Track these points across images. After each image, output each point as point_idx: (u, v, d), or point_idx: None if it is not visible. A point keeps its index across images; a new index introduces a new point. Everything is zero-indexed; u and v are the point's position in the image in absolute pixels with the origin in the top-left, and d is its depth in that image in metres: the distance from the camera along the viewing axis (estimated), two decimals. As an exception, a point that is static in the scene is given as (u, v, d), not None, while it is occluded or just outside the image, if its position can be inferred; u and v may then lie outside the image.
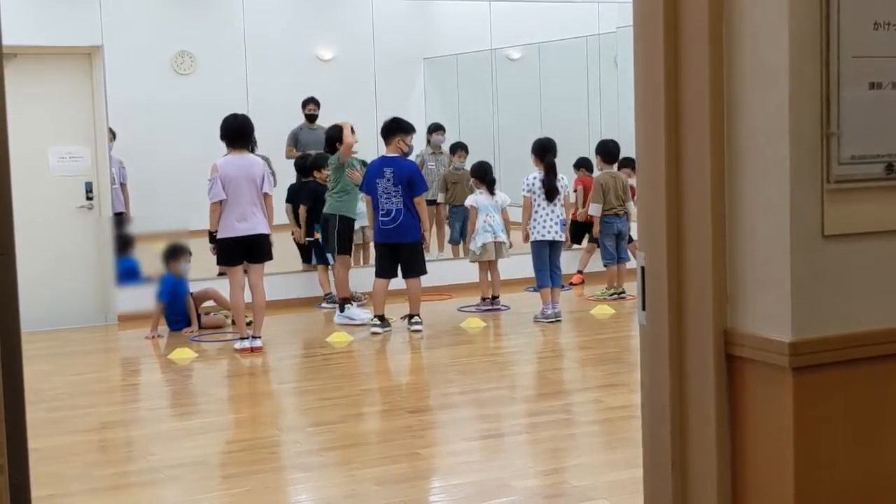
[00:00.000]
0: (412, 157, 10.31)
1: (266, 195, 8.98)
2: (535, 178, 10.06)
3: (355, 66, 13.17)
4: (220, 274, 10.13)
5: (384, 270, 9.67)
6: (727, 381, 2.34)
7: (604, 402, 7.13)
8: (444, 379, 8.27)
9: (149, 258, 10.73)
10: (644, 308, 2.52)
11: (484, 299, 10.74)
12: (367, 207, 9.79)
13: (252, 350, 8.96)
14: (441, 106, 14.66)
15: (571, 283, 11.77)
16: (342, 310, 10.17)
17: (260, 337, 9.06)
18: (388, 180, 9.49)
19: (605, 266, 11.27)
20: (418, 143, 12.12)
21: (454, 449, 6.20)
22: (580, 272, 12.02)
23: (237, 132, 9.05)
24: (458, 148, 12.61)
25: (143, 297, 10.08)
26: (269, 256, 9.27)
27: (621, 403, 6.93)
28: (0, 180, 2.23)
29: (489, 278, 10.70)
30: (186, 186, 11.90)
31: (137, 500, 5.62)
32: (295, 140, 12.05)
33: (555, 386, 7.83)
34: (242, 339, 9.03)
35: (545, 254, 10.09)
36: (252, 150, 9.96)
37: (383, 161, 9.64)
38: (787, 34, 2.15)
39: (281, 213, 10.75)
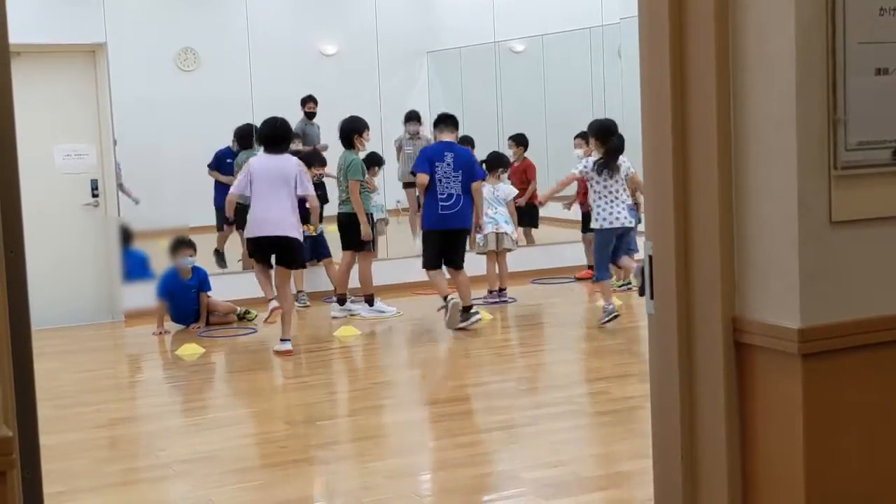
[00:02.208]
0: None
1: (306, 197, 8.75)
2: (587, 161, 9.27)
3: (359, 60, 13.14)
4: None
5: (436, 260, 9.50)
6: (736, 369, 2.34)
7: (612, 393, 7.13)
8: (451, 372, 8.27)
9: (154, 254, 10.76)
10: (652, 297, 2.53)
11: (491, 291, 10.73)
12: (420, 191, 9.56)
13: (273, 312, 8.88)
14: (445, 99, 14.64)
15: (578, 278, 11.68)
16: (371, 304, 10.15)
17: (289, 339, 8.77)
18: (449, 165, 9.35)
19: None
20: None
21: (463, 441, 6.20)
22: (590, 268, 11.77)
23: (275, 137, 8.75)
24: (463, 142, 12.60)
25: (149, 294, 10.09)
26: (298, 263, 9.04)
27: (630, 394, 6.93)
28: (8, 179, 2.24)
29: (496, 270, 10.69)
30: (190, 183, 11.93)
31: (147, 495, 5.63)
32: (302, 135, 12.08)
33: (563, 377, 7.83)
34: (283, 340, 8.75)
35: (610, 244, 9.21)
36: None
37: (443, 146, 9.51)
38: (794, 21, 2.15)
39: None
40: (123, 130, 10.99)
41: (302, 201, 8.85)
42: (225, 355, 9.12)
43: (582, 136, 11.54)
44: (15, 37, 2.52)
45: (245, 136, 11.31)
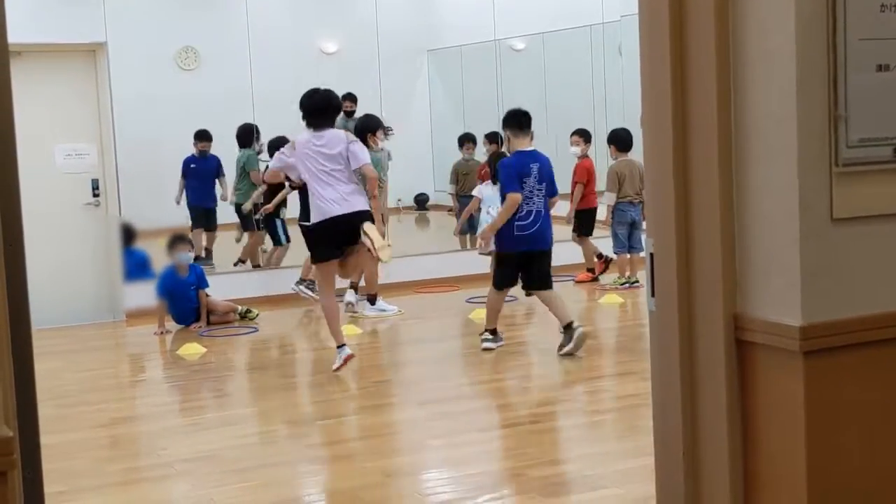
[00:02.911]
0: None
1: (364, 172, 7.84)
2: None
3: (359, 58, 13.15)
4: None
5: (507, 281, 8.38)
6: (737, 366, 2.33)
7: (615, 391, 7.12)
8: (453, 370, 8.27)
9: (154, 253, 10.77)
10: (654, 294, 2.52)
11: None
12: (506, 210, 8.11)
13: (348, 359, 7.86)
14: (445, 97, 14.64)
15: (578, 281, 11.59)
16: (373, 303, 10.13)
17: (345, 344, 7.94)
18: (535, 178, 8.08)
19: (615, 255, 11.21)
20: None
21: (465, 440, 6.20)
22: (590, 270, 11.68)
23: (318, 109, 7.98)
24: (466, 140, 12.61)
25: (150, 294, 10.09)
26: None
27: (632, 392, 6.92)
28: (8, 177, 2.23)
29: None
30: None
31: (149, 495, 5.63)
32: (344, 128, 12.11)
33: (565, 375, 7.82)
34: (340, 346, 7.86)
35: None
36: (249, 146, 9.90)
37: (526, 156, 8.16)
38: (794, 17, 2.14)
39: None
40: (124, 129, 10.99)
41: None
42: (226, 355, 9.12)
43: (578, 133, 11.51)
44: (15, 36, 2.52)
45: (244, 136, 11.32)
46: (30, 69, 10.09)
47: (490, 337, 8.37)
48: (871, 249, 2.24)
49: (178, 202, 11.37)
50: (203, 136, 11.48)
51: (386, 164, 10.56)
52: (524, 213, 8.04)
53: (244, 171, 11.29)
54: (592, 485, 5.35)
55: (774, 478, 2.29)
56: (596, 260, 11.55)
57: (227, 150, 11.51)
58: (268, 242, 11.54)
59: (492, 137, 11.85)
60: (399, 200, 13.45)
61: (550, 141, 13.52)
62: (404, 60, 13.90)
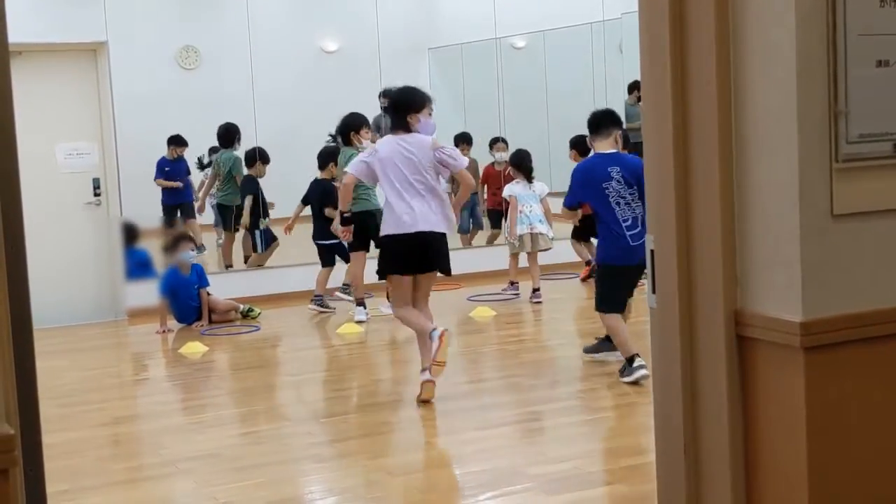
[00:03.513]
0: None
1: (460, 178, 7.12)
2: None
3: (360, 57, 13.14)
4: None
5: (622, 302, 7.41)
6: (738, 362, 2.34)
7: (616, 389, 7.12)
8: (455, 368, 8.25)
9: (156, 252, 10.80)
10: (654, 291, 2.52)
11: (511, 283, 10.69)
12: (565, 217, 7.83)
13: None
14: (446, 95, 14.62)
15: (584, 278, 11.57)
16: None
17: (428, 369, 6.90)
18: (619, 182, 7.15)
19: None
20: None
21: (467, 437, 6.20)
22: (588, 263, 11.65)
23: (397, 110, 7.08)
24: (462, 140, 12.64)
25: (152, 293, 10.10)
26: (443, 265, 7.02)
27: (634, 389, 6.93)
28: (9, 176, 2.24)
29: (517, 265, 10.63)
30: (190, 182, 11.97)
31: (151, 493, 5.63)
32: (377, 126, 12.18)
33: (567, 373, 7.82)
34: (424, 369, 6.91)
35: None
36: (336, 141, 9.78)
37: (603, 159, 7.30)
38: (794, 13, 2.15)
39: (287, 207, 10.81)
40: (125, 128, 10.99)
41: None
42: (228, 353, 9.12)
43: (575, 147, 11.43)
44: (16, 36, 2.52)
45: (225, 136, 11.34)
46: (31, 69, 10.09)
47: (629, 367, 7.13)
48: (872, 245, 2.25)
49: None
50: (179, 142, 11.61)
51: None
52: (625, 220, 7.13)
53: (230, 174, 11.29)
54: (595, 482, 5.35)
55: (776, 473, 2.29)
56: (585, 266, 11.55)
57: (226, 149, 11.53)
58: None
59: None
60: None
61: (551, 139, 13.55)
62: (405, 58, 13.88)
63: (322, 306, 10.25)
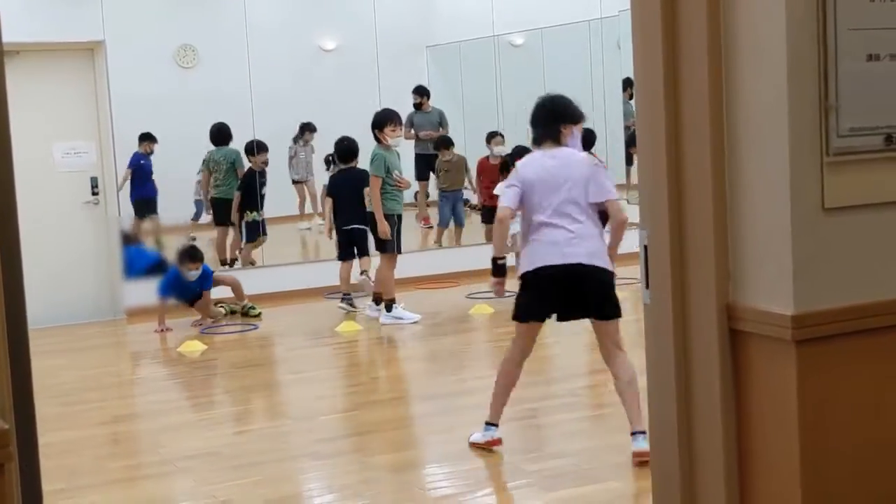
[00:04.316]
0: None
1: (609, 206, 5.62)
2: None
3: (358, 55, 13.15)
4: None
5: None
6: (731, 356, 2.34)
7: (611, 386, 7.11)
8: (453, 366, 8.28)
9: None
10: (647, 286, 2.53)
11: None
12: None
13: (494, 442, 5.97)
14: (445, 93, 14.63)
15: None
16: (389, 309, 9.63)
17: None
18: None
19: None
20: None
21: (465, 434, 6.20)
22: None
23: (547, 118, 5.81)
24: (442, 145, 12.75)
25: (151, 292, 10.11)
26: (614, 311, 5.62)
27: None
28: (3, 171, 2.24)
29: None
30: (190, 180, 11.98)
31: (150, 492, 5.64)
32: (410, 123, 12.25)
33: (563, 370, 7.83)
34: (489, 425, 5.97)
35: None
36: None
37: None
38: (784, 8, 2.15)
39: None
40: (122, 127, 10.99)
41: None
42: (227, 352, 9.13)
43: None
44: (13, 35, 2.54)
45: (220, 134, 11.35)
46: (28, 68, 10.09)
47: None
48: (863, 238, 2.25)
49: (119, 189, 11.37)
50: (152, 138, 11.70)
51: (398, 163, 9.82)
52: None
53: (232, 167, 11.30)
54: (590, 478, 5.36)
55: (769, 466, 2.30)
56: None
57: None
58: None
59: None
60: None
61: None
62: (403, 57, 13.90)
63: (351, 305, 10.15)
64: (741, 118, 2.28)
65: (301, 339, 9.44)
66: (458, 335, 9.14)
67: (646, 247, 2.53)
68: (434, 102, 13.67)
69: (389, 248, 9.41)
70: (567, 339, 9.07)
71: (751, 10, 2.23)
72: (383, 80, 12.90)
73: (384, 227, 9.22)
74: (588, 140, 10.47)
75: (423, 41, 14.53)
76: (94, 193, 10.68)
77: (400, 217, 9.54)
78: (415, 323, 9.52)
